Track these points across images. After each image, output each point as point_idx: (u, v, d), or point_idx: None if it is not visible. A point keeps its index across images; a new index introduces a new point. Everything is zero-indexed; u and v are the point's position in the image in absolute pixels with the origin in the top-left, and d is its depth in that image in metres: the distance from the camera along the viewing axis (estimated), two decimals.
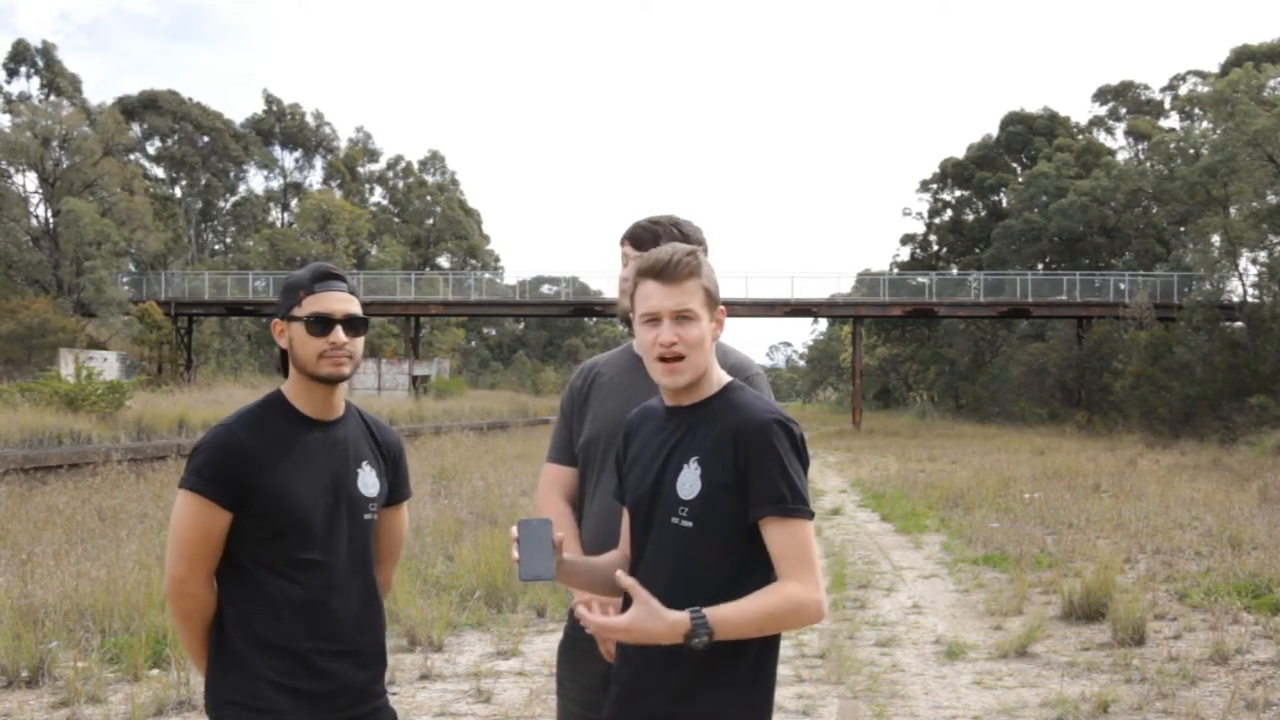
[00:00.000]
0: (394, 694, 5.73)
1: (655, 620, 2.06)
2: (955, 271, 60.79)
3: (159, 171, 72.56)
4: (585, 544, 2.78)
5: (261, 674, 2.44)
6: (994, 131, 66.68)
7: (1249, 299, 38.28)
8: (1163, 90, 64.42)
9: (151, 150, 72.03)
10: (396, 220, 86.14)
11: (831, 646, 6.93)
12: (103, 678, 5.88)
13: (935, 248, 67.79)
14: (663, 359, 2.27)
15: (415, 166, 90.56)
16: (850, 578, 9.68)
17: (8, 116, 51.47)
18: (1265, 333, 35.11)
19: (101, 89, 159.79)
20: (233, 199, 77.19)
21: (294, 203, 78.91)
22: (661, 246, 2.35)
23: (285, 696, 2.44)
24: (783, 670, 6.35)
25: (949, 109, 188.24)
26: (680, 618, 2.06)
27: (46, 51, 63.90)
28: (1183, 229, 47.34)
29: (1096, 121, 66.03)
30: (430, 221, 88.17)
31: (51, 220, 48.50)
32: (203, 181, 72.36)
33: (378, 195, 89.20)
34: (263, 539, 2.46)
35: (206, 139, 71.72)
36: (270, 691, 2.44)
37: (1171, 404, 35.43)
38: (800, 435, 2.27)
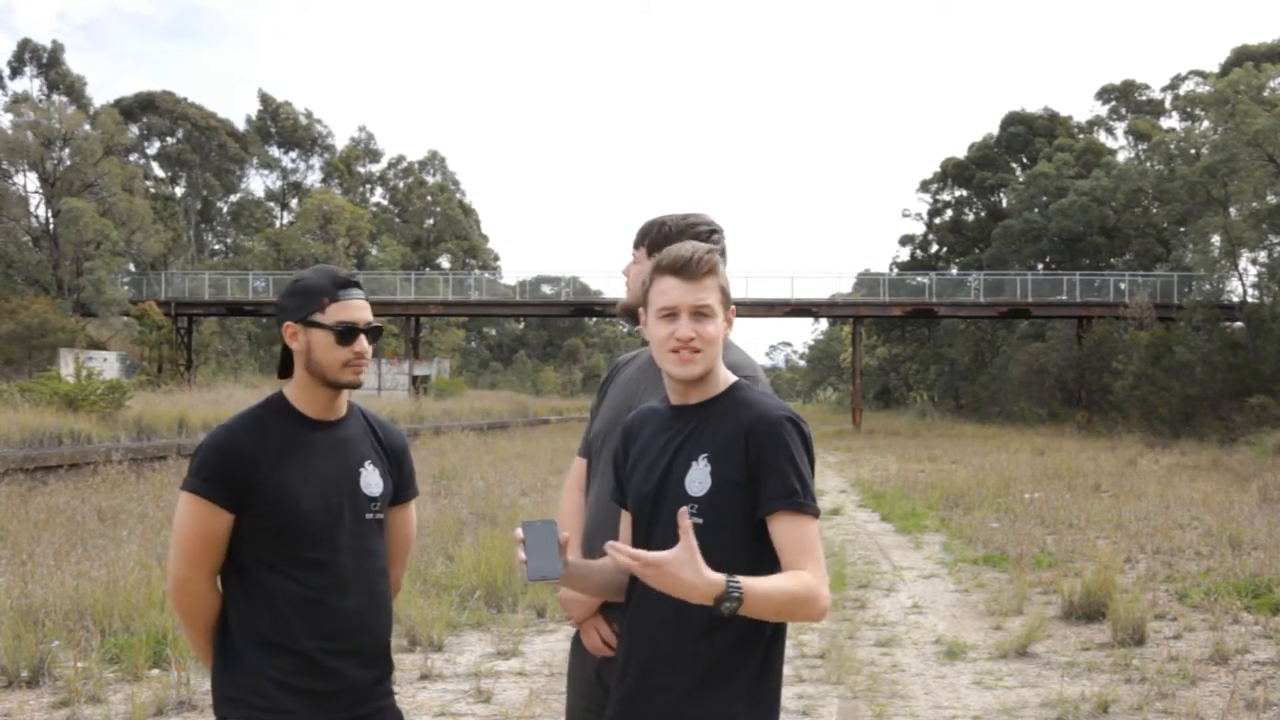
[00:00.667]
0: (394, 694, 5.73)
1: (691, 570, 2.00)
2: (955, 271, 60.82)
3: (159, 171, 72.59)
4: (584, 537, 2.80)
5: (265, 673, 2.44)
6: (994, 131, 66.73)
7: (1249, 299, 38.30)
8: (1163, 90, 64.50)
9: (151, 150, 72.04)
10: (397, 220, 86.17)
11: (831, 646, 6.93)
12: (103, 678, 5.88)
13: (935, 248, 67.81)
14: (676, 350, 2.29)
15: (415, 167, 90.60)
16: (850, 578, 9.69)
17: (9, 116, 51.48)
18: (1265, 333, 35.12)
19: (99, 89, 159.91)
20: (233, 199, 77.18)
21: (294, 203, 78.91)
22: (682, 243, 2.37)
23: (289, 695, 2.45)
24: (784, 670, 6.34)
25: (949, 109, 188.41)
26: (717, 578, 2.01)
27: (53, 52, 63.93)
28: (1183, 229, 47.35)
29: (1097, 121, 66.07)
30: (430, 221, 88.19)
31: (51, 220, 48.50)
32: (203, 181, 72.36)
33: (378, 195, 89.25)
34: (265, 539, 2.47)
35: (206, 139, 71.71)
36: (274, 690, 2.44)
37: (1171, 404, 35.43)
38: (809, 434, 2.29)
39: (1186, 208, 43.76)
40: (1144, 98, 64.77)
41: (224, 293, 53.44)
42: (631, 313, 2.93)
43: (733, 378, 2.39)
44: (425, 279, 59.30)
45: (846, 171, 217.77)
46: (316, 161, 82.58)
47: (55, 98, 59.54)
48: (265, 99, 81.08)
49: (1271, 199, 37.06)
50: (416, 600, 7.45)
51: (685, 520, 2.01)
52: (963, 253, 64.71)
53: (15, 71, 64.11)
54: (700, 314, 2.28)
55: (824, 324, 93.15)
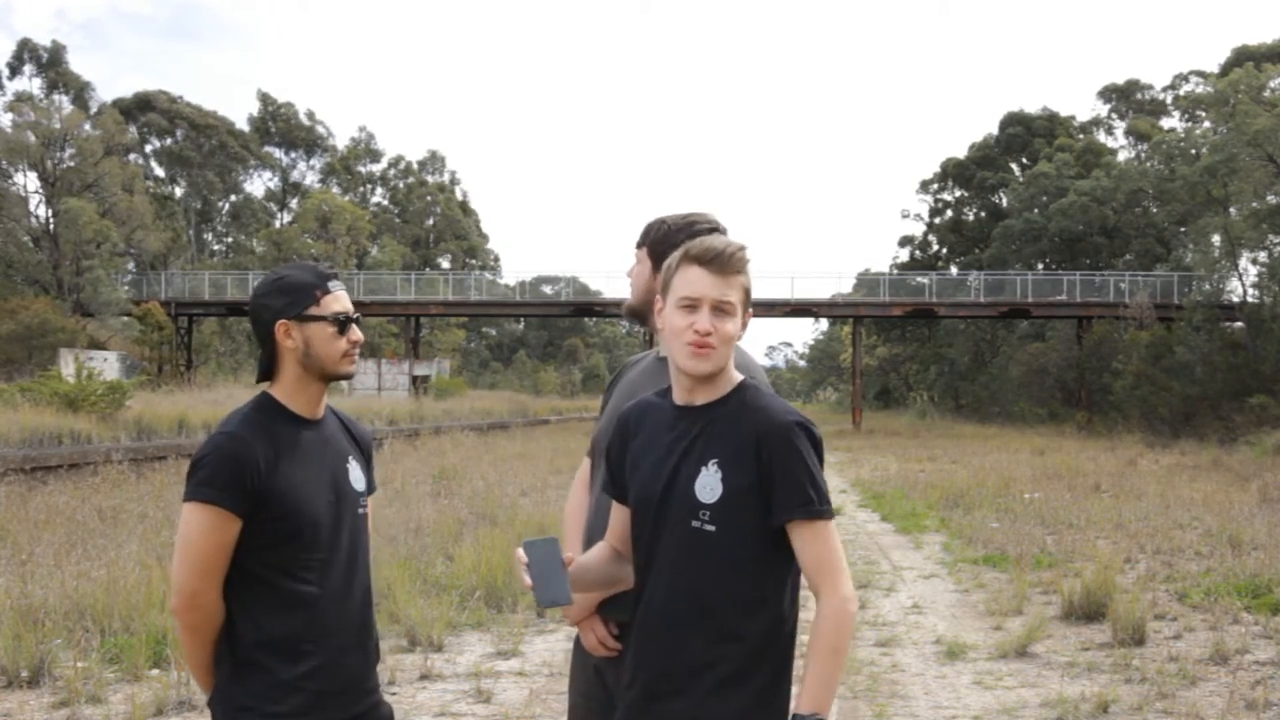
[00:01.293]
0: (394, 694, 5.73)
1: None
2: (955, 272, 60.84)
3: (159, 171, 72.60)
4: (585, 535, 2.81)
5: (279, 677, 2.43)
6: (994, 132, 66.73)
7: (1249, 299, 38.31)
8: (1164, 90, 64.48)
9: (151, 149, 72.05)
10: (396, 220, 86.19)
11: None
12: (103, 678, 5.88)
13: (935, 248, 67.82)
14: (694, 344, 2.26)
15: (415, 167, 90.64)
16: (850, 578, 9.68)
17: (9, 116, 51.50)
18: (1265, 333, 35.13)
19: (99, 88, 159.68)
20: (233, 199, 77.19)
21: (294, 203, 78.94)
22: (715, 236, 2.35)
23: (302, 698, 2.44)
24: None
25: (949, 109, 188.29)
26: None
27: (53, 51, 63.94)
28: (1183, 229, 47.36)
29: (1097, 121, 66.07)
30: (430, 221, 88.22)
31: (51, 220, 48.50)
32: (203, 181, 72.37)
33: (378, 195, 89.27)
34: (275, 543, 2.45)
35: (205, 139, 71.72)
36: (288, 694, 2.44)
37: (1171, 404, 35.43)
38: (819, 437, 2.28)
39: (1186, 208, 43.77)
40: (1146, 97, 64.76)
41: (224, 293, 53.44)
42: (636, 313, 2.93)
43: (739, 377, 2.36)
44: (425, 279, 59.32)
45: (846, 171, 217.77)
46: (317, 162, 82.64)
47: (56, 97, 59.54)
48: (266, 99, 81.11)
49: (1271, 199, 37.07)
50: (416, 600, 7.45)
51: None
52: (963, 253, 64.73)
53: (14, 71, 64.12)
54: (722, 310, 2.26)
55: (824, 324, 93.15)
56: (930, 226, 68.48)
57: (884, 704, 5.79)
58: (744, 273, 2.29)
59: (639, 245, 2.94)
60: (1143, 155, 58.49)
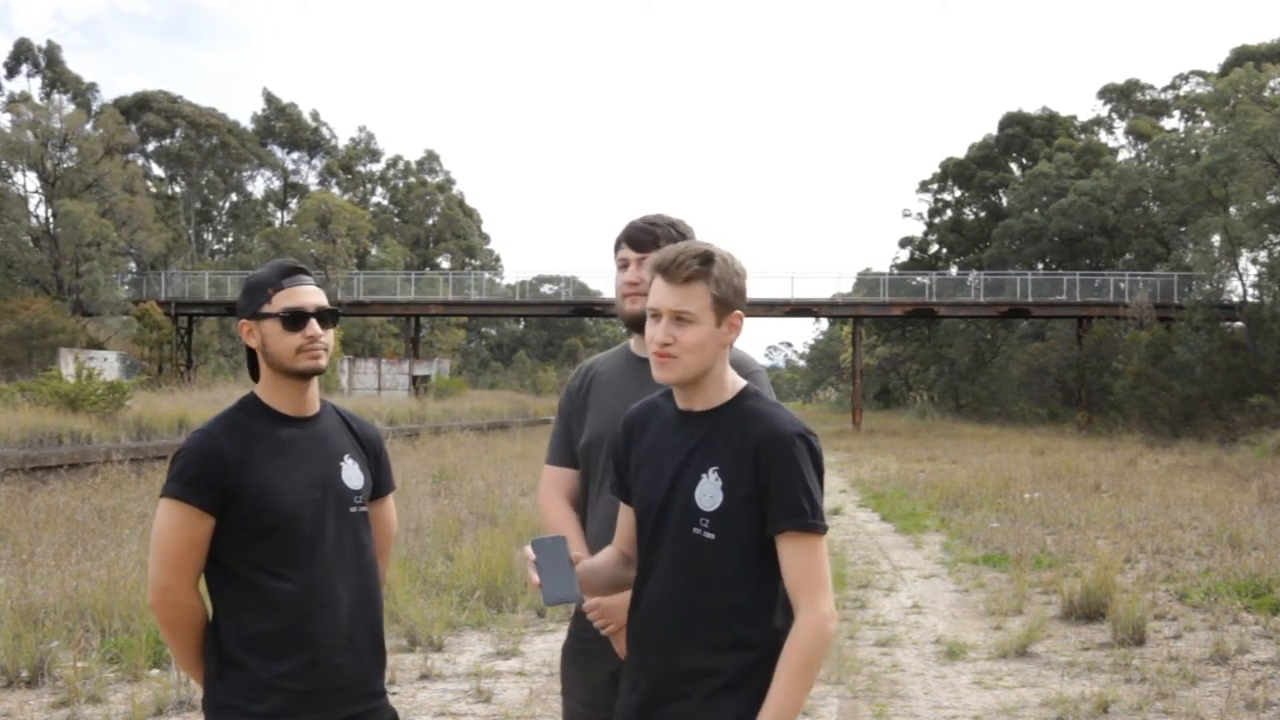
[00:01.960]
0: (394, 694, 5.73)
1: None
2: (955, 271, 60.83)
3: (159, 171, 72.61)
4: (590, 546, 2.78)
5: (259, 676, 2.43)
6: (994, 131, 66.72)
7: (1249, 299, 38.30)
8: (1164, 90, 64.46)
9: (151, 150, 72.05)
10: (396, 220, 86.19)
11: (831, 646, 6.92)
12: (103, 678, 5.88)
13: (935, 248, 67.82)
14: (656, 354, 2.26)
15: (414, 167, 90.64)
16: (850, 578, 9.68)
17: (8, 116, 51.50)
18: (1265, 333, 35.12)
19: (97, 88, 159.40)
20: (233, 199, 77.19)
21: (294, 203, 78.93)
22: (678, 244, 2.32)
23: (283, 697, 2.43)
24: None
25: (949, 109, 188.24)
26: None
27: (50, 51, 63.97)
28: (1183, 229, 47.34)
29: (1097, 121, 66.06)
30: (430, 221, 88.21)
31: (51, 220, 48.50)
32: (203, 181, 72.37)
33: (378, 195, 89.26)
34: (251, 540, 2.45)
35: (205, 139, 71.72)
36: (268, 693, 2.43)
37: (1171, 404, 35.43)
38: (819, 450, 2.27)
39: (1186, 208, 43.76)
40: (1146, 97, 64.75)
41: (224, 292, 53.43)
42: (625, 317, 2.91)
43: (741, 383, 2.34)
44: (425, 279, 59.32)
45: (846, 171, 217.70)
46: (318, 162, 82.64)
47: (55, 97, 59.55)
48: (270, 99, 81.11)
49: (1271, 199, 37.06)
50: (416, 600, 7.45)
51: None
52: (963, 253, 64.73)
53: (12, 72, 64.12)
54: (681, 319, 2.23)
55: (824, 324, 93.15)
56: (930, 226, 68.47)
57: (884, 704, 5.79)
58: (704, 280, 2.23)
59: (634, 247, 2.93)
60: (1143, 155, 58.49)
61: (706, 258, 2.25)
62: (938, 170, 67.77)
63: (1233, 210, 39.95)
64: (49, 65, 63.97)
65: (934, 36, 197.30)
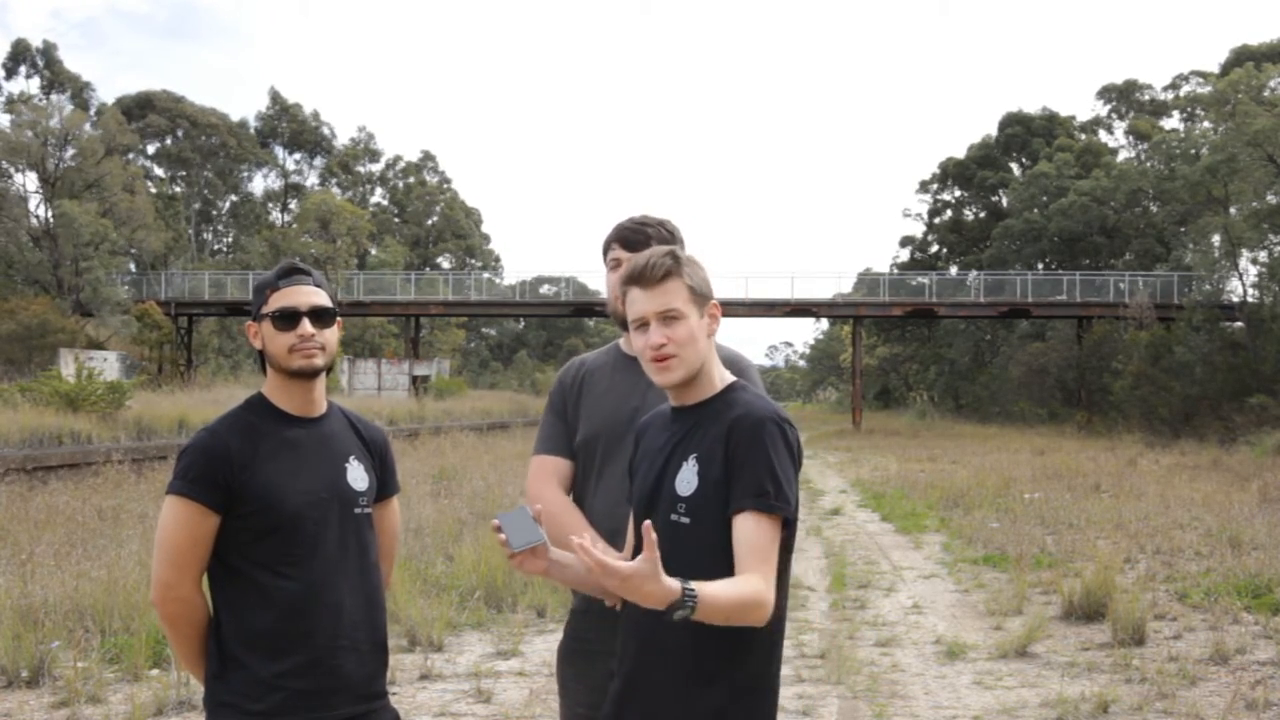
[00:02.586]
0: (394, 694, 5.72)
1: (653, 580, 2.00)
2: (955, 271, 60.82)
3: (159, 171, 72.59)
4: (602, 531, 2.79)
5: (259, 674, 2.43)
6: (994, 132, 66.71)
7: (1249, 299, 38.27)
8: (1164, 90, 64.46)
9: (151, 150, 72.03)
10: (396, 220, 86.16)
11: (831, 646, 6.93)
12: (103, 678, 5.88)
13: (935, 248, 67.80)
14: (654, 360, 2.29)
15: (413, 167, 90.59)
16: (850, 578, 9.68)
17: (8, 116, 51.48)
18: (1265, 333, 35.10)
19: (96, 88, 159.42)
20: (233, 198, 77.17)
21: (294, 203, 78.91)
22: (642, 253, 2.37)
23: (283, 696, 2.43)
24: (783, 670, 6.34)
25: (949, 109, 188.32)
26: (672, 585, 2.02)
27: (47, 51, 63.95)
28: (1183, 229, 47.33)
29: (1097, 121, 66.04)
30: (430, 222, 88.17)
31: (51, 220, 48.49)
32: (203, 181, 72.35)
33: (378, 195, 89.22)
34: (254, 539, 2.46)
35: (206, 138, 71.69)
36: (268, 692, 2.43)
37: (1171, 404, 35.41)
38: (792, 436, 2.27)
39: (1186, 208, 43.74)
40: (1146, 98, 64.73)
41: (224, 293, 53.43)
42: (618, 317, 2.92)
43: (730, 378, 2.38)
44: (425, 279, 59.32)
45: (846, 171, 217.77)
46: (318, 162, 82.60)
47: (55, 97, 59.52)
48: (276, 98, 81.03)
49: (1271, 199, 37.04)
50: (416, 600, 7.45)
51: (650, 534, 2.00)
52: (963, 253, 64.71)
53: (10, 72, 64.07)
54: (668, 318, 2.28)
55: (824, 324, 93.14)
56: (930, 226, 68.45)
57: (884, 704, 5.79)
58: (678, 275, 2.29)
59: (626, 247, 2.93)
60: (1143, 155, 58.48)
61: (674, 254, 2.32)
62: (937, 170, 67.77)
63: (1233, 210, 39.93)
64: (47, 65, 63.92)
65: (934, 36, 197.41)
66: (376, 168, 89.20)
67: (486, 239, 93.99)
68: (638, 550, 2.35)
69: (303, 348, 2.51)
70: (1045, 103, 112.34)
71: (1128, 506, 13.79)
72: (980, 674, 6.42)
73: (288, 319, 2.50)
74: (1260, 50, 52.36)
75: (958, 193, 67.63)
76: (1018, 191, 58.83)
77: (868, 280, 62.28)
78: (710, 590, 2.06)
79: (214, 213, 76.64)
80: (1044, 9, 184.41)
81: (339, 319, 2.60)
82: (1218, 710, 5.56)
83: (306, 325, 2.51)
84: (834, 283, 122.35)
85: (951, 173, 66.75)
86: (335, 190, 79.52)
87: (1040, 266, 56.08)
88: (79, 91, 62.77)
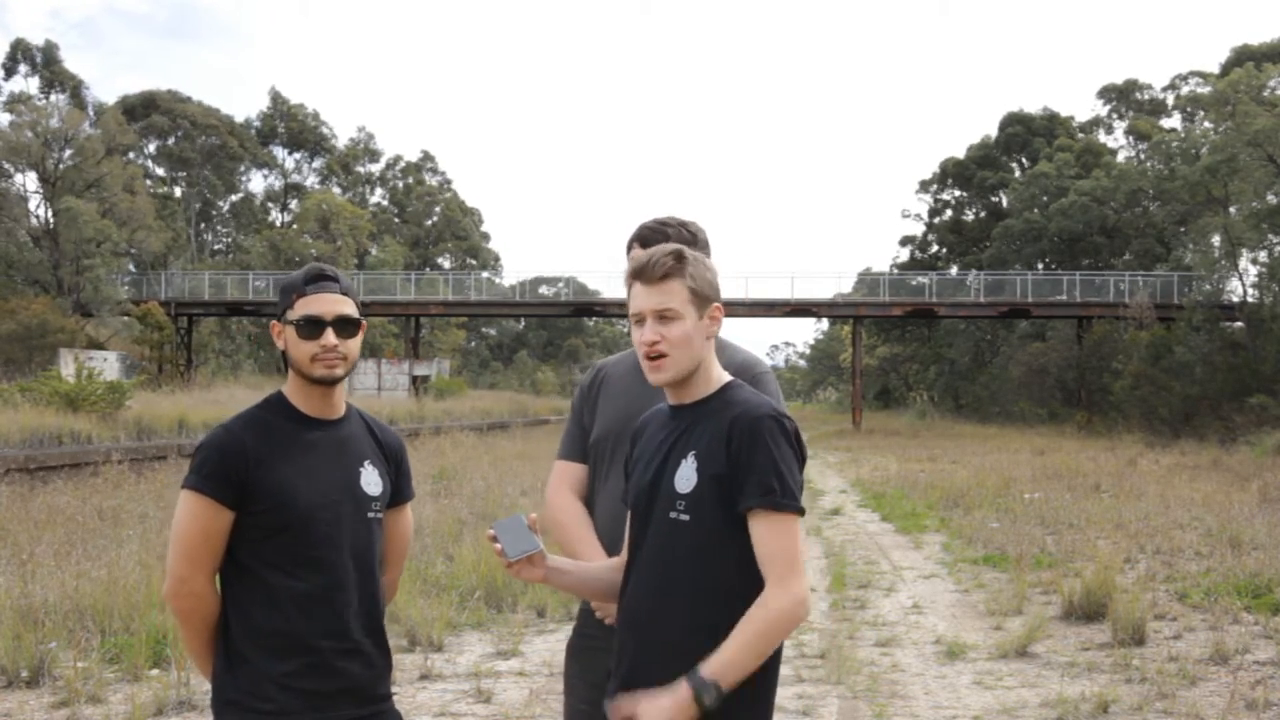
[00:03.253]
0: (394, 694, 5.72)
1: (658, 708, 2.13)
2: (955, 271, 60.82)
3: (159, 170, 72.59)
4: (604, 536, 2.80)
5: (266, 674, 2.44)
6: (994, 132, 66.73)
7: (1249, 299, 38.28)
8: (1163, 90, 64.48)
9: (151, 149, 72.02)
10: (396, 220, 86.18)
11: (831, 646, 6.93)
12: (103, 678, 5.88)
13: (935, 248, 67.82)
14: (647, 356, 2.31)
15: (413, 167, 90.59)
16: (850, 578, 9.68)
17: (7, 116, 51.48)
18: (1265, 333, 35.11)
19: (94, 87, 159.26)
20: (233, 198, 77.17)
21: (294, 203, 78.92)
22: (648, 249, 2.38)
23: (290, 696, 2.44)
24: (783, 670, 6.32)
25: (949, 109, 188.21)
26: (682, 692, 2.12)
27: (48, 51, 63.95)
28: (1183, 229, 47.34)
29: (1097, 121, 66.06)
30: (430, 222, 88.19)
31: (51, 220, 48.49)
32: (203, 181, 72.36)
33: (377, 195, 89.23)
34: (266, 537, 2.47)
35: (206, 139, 71.69)
36: (275, 691, 2.44)
37: (1171, 404, 35.42)
38: (794, 430, 2.28)
39: (1186, 208, 43.74)
40: (1145, 97, 64.74)
41: (224, 293, 53.44)
42: None
43: (727, 377, 2.39)
44: (425, 279, 59.33)
45: (846, 171, 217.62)
46: (318, 162, 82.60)
47: (54, 97, 59.52)
48: (277, 97, 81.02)
49: (1271, 199, 37.05)
50: (416, 600, 7.45)
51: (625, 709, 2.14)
52: (963, 253, 64.71)
53: (9, 72, 64.06)
54: (664, 317, 2.29)
55: (824, 324, 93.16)
56: (930, 226, 68.48)
57: (884, 704, 5.79)
58: (680, 276, 2.30)
59: (628, 251, 2.95)
60: (1142, 155, 58.49)
61: (679, 255, 2.32)
62: (937, 170, 67.79)
63: (1233, 210, 39.94)
64: (46, 65, 63.91)
65: (934, 36, 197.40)
66: (376, 168, 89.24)
67: (486, 238, 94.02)
68: (634, 550, 2.36)
69: (325, 358, 2.51)
70: (1045, 103, 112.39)
71: (1128, 506, 13.79)
72: (980, 674, 6.42)
73: (312, 327, 2.51)
74: (1260, 50, 52.36)
75: (958, 193, 67.64)
76: (1018, 191, 58.84)
77: (868, 280, 62.31)
78: (724, 658, 2.13)
79: (214, 213, 76.63)
80: (1044, 9, 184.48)
81: (364, 323, 2.60)
82: (1218, 710, 5.56)
83: (330, 336, 2.51)
84: (834, 283, 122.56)
85: (951, 173, 66.76)
86: (335, 190, 79.54)
87: (1040, 266, 56.09)
88: (77, 91, 62.74)
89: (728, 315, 2.42)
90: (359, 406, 2.74)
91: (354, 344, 2.56)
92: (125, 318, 46.45)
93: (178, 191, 72.36)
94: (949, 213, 68.06)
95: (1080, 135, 63.54)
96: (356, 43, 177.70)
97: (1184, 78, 63.05)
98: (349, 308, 2.55)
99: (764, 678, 2.26)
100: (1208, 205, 40.79)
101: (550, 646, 6.97)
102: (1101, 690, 5.87)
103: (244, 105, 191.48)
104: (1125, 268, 52.30)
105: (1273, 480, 16.16)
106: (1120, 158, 60.35)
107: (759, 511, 2.19)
